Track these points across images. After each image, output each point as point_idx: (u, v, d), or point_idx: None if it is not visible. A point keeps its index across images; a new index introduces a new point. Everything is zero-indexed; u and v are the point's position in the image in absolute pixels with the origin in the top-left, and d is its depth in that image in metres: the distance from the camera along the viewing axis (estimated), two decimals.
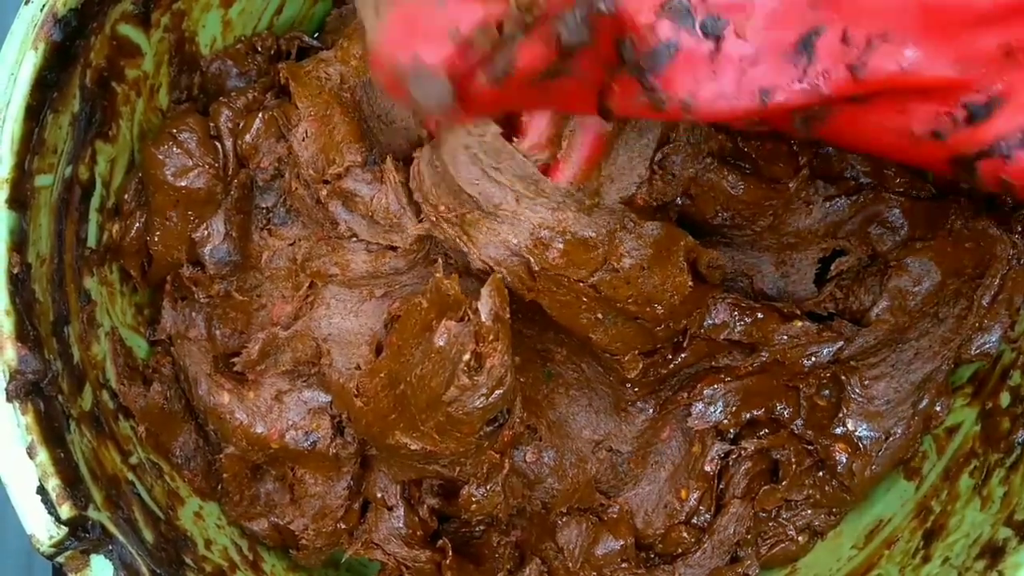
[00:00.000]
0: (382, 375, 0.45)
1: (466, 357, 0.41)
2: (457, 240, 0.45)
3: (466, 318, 0.42)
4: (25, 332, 0.41)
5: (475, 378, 0.42)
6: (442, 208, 0.44)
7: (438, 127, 0.44)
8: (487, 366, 0.42)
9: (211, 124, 0.50)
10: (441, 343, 0.42)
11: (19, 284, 0.41)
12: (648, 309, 0.46)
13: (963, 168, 0.33)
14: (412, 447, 0.45)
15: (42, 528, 0.39)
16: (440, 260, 0.47)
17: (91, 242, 0.48)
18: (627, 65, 0.32)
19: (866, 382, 0.52)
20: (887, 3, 0.31)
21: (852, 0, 0.31)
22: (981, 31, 0.31)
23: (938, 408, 0.51)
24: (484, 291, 0.43)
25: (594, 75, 0.33)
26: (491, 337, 0.42)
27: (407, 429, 0.45)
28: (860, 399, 0.52)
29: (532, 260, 0.44)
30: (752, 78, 0.32)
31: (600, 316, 0.46)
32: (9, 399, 0.40)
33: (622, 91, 0.33)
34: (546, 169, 0.43)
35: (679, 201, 0.49)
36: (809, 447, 0.53)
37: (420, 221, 0.46)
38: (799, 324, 0.50)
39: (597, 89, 0.33)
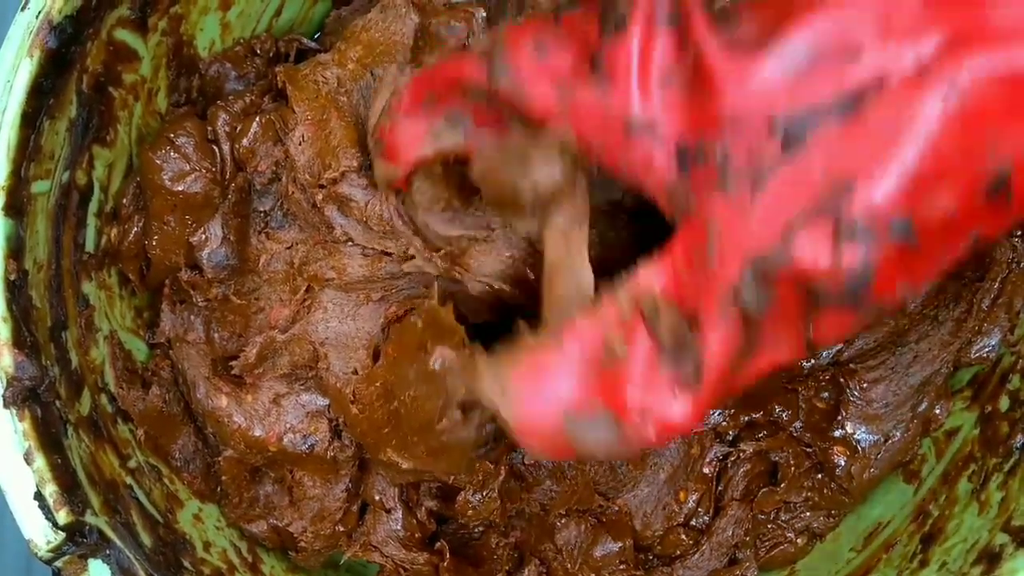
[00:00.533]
0: (378, 384, 0.45)
1: (460, 397, 0.41)
2: (452, 272, 0.45)
3: (461, 347, 0.42)
4: (22, 338, 0.41)
5: (468, 415, 0.42)
6: (429, 252, 0.45)
7: (408, 185, 0.43)
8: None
9: (208, 128, 0.50)
10: (436, 367, 0.42)
11: (16, 290, 0.41)
12: None
13: None
14: (403, 466, 0.45)
15: (40, 534, 0.39)
16: (436, 284, 0.47)
17: (89, 247, 0.48)
18: (830, 302, 0.29)
19: (865, 385, 0.51)
20: None
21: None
22: None
23: (937, 411, 0.51)
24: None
25: (788, 329, 0.31)
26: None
27: (398, 448, 0.45)
28: (859, 402, 0.52)
29: (528, 271, 0.44)
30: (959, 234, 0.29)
31: None
32: (6, 405, 0.40)
33: (831, 323, 0.30)
34: None
35: None
36: (808, 449, 0.53)
37: (408, 253, 0.46)
38: None
39: (800, 337, 0.31)
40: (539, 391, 0.33)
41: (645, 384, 0.32)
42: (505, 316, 0.50)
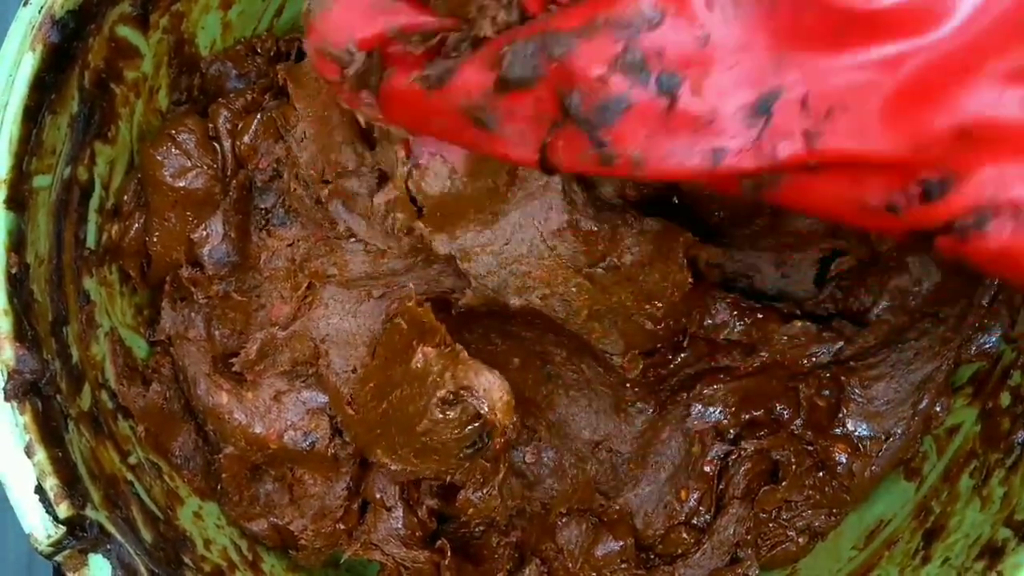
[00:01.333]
0: (371, 385, 0.46)
1: (440, 393, 0.41)
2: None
3: (442, 345, 0.42)
4: (23, 332, 0.41)
5: (447, 413, 0.42)
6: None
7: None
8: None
9: (210, 125, 0.50)
10: (418, 366, 0.42)
11: (17, 284, 0.41)
12: (647, 306, 0.46)
13: (921, 241, 0.32)
14: (392, 467, 0.45)
15: (40, 527, 0.39)
16: (411, 285, 0.47)
17: (90, 243, 0.48)
18: (574, 118, 0.31)
19: (866, 382, 0.51)
20: (855, 75, 0.30)
21: (818, 64, 0.30)
22: (936, 111, 0.30)
23: (938, 408, 0.51)
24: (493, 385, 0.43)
25: (532, 126, 0.32)
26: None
27: (387, 450, 0.45)
28: (860, 399, 0.52)
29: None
30: (705, 137, 0.31)
31: (599, 310, 0.47)
32: (7, 398, 0.40)
33: (567, 145, 0.32)
34: None
35: (675, 200, 0.49)
36: (809, 448, 0.53)
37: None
38: (799, 324, 0.50)
39: (538, 143, 0.32)
40: (341, 9, 0.34)
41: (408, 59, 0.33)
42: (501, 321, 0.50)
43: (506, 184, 0.43)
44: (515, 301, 0.46)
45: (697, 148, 0.31)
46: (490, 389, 0.41)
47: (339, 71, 0.34)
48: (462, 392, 0.41)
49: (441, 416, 0.42)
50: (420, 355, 0.42)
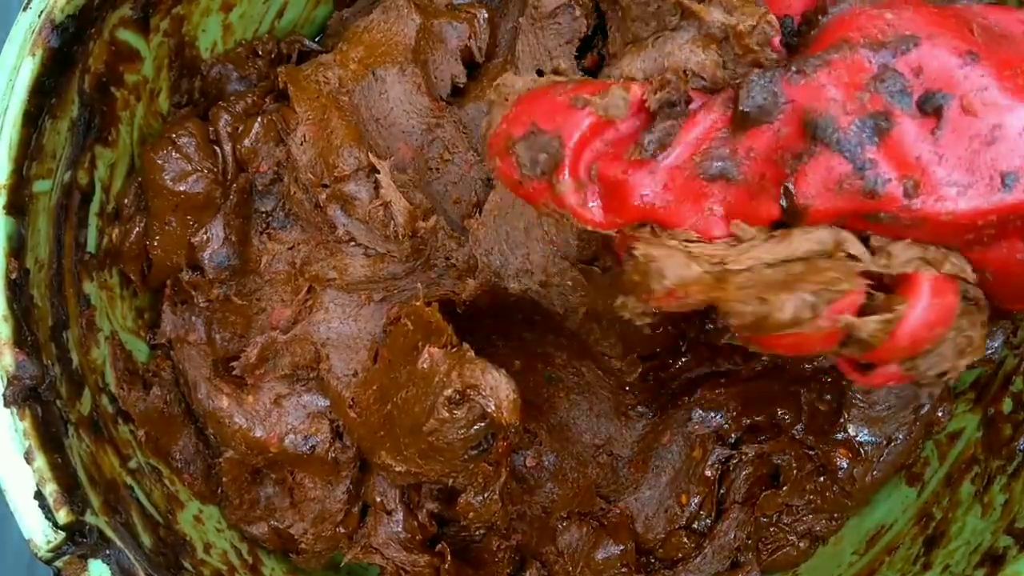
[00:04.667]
0: (374, 387, 0.45)
1: (447, 392, 0.41)
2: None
3: (448, 345, 0.42)
4: (23, 337, 0.41)
5: (454, 413, 0.42)
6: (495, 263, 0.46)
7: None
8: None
9: (210, 128, 0.50)
10: (424, 367, 0.42)
11: (17, 289, 0.41)
12: None
13: None
14: (397, 469, 0.45)
15: (40, 533, 0.39)
16: (419, 285, 0.47)
17: (91, 247, 0.48)
18: (824, 142, 0.28)
19: (867, 387, 0.51)
20: None
21: None
22: None
23: (940, 414, 0.51)
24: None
25: (771, 168, 0.30)
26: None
27: (392, 451, 0.45)
28: (861, 404, 0.51)
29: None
30: (987, 160, 0.28)
31: (596, 310, 0.47)
32: (7, 404, 0.40)
33: (815, 173, 0.29)
34: None
35: None
36: (810, 452, 0.53)
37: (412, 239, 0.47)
38: None
39: (779, 179, 0.29)
40: (519, 108, 0.33)
41: (615, 142, 0.31)
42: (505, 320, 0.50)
43: None
44: (514, 285, 0.46)
45: (980, 172, 0.28)
46: (497, 387, 0.41)
47: (518, 168, 0.33)
48: (469, 391, 0.40)
49: (448, 415, 0.42)
50: (426, 355, 0.42)
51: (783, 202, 0.30)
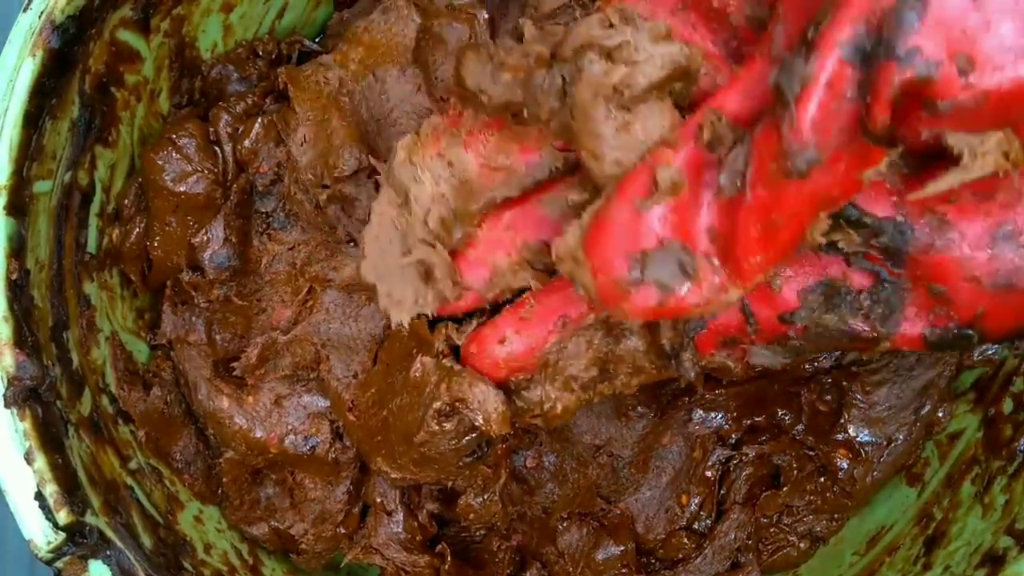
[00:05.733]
0: (373, 390, 0.45)
1: (436, 405, 0.41)
2: None
3: (439, 356, 0.42)
4: (23, 338, 0.41)
5: (444, 425, 0.41)
6: None
7: None
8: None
9: (210, 129, 0.50)
10: (416, 376, 0.42)
11: (17, 290, 0.41)
12: None
13: None
14: (392, 475, 0.45)
15: (40, 534, 0.39)
16: None
17: (91, 247, 0.48)
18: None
19: (868, 388, 0.51)
20: None
21: None
22: None
23: (940, 414, 0.51)
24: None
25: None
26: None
27: (387, 458, 0.45)
28: (862, 405, 0.51)
29: None
30: None
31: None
32: (7, 405, 0.40)
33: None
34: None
35: None
36: (810, 453, 0.53)
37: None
38: None
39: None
40: (605, 248, 0.30)
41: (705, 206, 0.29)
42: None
43: None
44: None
45: None
46: (485, 401, 0.40)
47: (658, 293, 0.30)
48: (457, 404, 0.40)
49: (438, 428, 0.41)
50: (419, 364, 0.42)
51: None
